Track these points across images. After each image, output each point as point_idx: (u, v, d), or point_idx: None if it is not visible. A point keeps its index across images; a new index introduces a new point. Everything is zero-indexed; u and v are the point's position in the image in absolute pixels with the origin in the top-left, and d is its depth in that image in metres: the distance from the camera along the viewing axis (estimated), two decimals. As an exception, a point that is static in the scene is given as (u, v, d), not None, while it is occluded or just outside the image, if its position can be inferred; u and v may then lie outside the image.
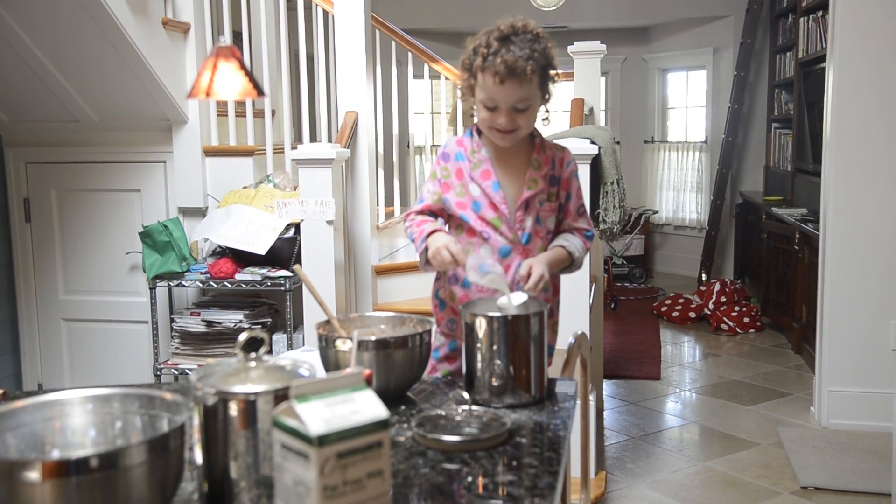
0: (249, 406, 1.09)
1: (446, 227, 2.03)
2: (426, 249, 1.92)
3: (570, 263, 2.01)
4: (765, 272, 6.07)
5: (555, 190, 2.00)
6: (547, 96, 1.95)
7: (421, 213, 2.03)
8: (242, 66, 1.37)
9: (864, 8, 3.91)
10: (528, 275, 1.84)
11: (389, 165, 4.87)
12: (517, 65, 1.82)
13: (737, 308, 6.07)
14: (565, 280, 2.98)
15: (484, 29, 1.91)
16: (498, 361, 1.53)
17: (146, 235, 3.67)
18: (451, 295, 2.02)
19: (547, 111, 2.00)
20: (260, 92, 1.40)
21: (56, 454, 1.11)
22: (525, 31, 1.87)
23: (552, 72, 1.93)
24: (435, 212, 2.03)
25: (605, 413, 4.35)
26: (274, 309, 3.83)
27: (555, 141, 2.10)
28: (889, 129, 3.94)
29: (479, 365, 1.55)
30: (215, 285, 3.64)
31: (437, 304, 2.09)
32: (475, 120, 2.02)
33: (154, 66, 3.64)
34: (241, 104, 4.10)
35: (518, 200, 1.95)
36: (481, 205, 1.95)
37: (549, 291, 2.02)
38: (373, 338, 1.54)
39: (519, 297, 1.67)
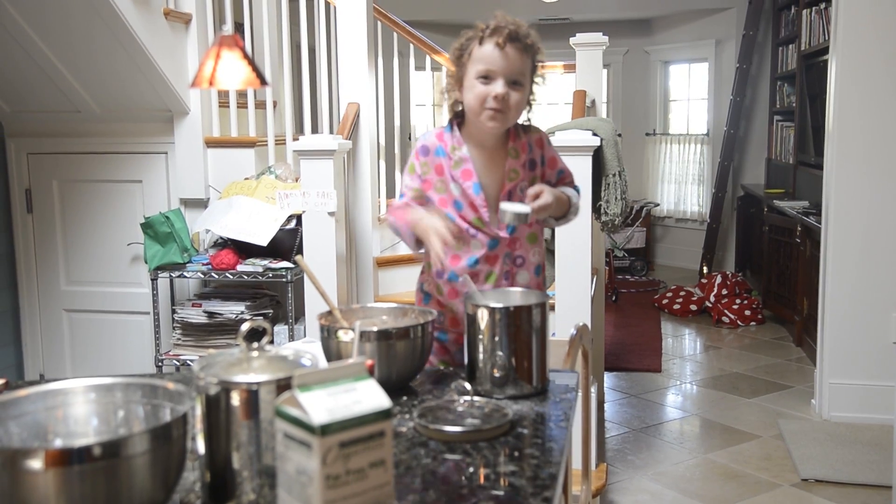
0: (252, 396, 1.09)
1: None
2: (415, 238, 1.91)
3: (567, 210, 2.01)
4: (766, 265, 6.06)
5: (537, 173, 1.99)
6: (532, 96, 1.96)
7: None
8: (245, 55, 1.36)
9: (866, 0, 3.90)
10: (537, 196, 1.85)
11: (391, 157, 4.86)
12: (520, 31, 1.88)
13: (738, 301, 6.07)
14: (565, 274, 2.98)
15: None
16: (500, 352, 1.53)
17: (148, 226, 3.67)
18: (438, 288, 2.02)
19: (529, 121, 2.01)
20: (263, 81, 1.40)
21: (59, 443, 1.11)
22: (518, 25, 1.91)
23: (539, 69, 1.95)
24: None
25: (605, 405, 4.36)
26: (275, 300, 3.83)
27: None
28: (891, 122, 3.93)
29: (480, 356, 1.55)
30: (217, 276, 3.64)
31: (421, 298, 2.09)
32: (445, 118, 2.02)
33: (156, 57, 3.63)
34: (242, 95, 4.09)
35: (501, 193, 1.95)
36: (463, 205, 1.94)
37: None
38: (375, 328, 1.54)
39: (522, 207, 1.82)
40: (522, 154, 1.97)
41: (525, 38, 1.88)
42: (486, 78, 1.87)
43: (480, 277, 1.96)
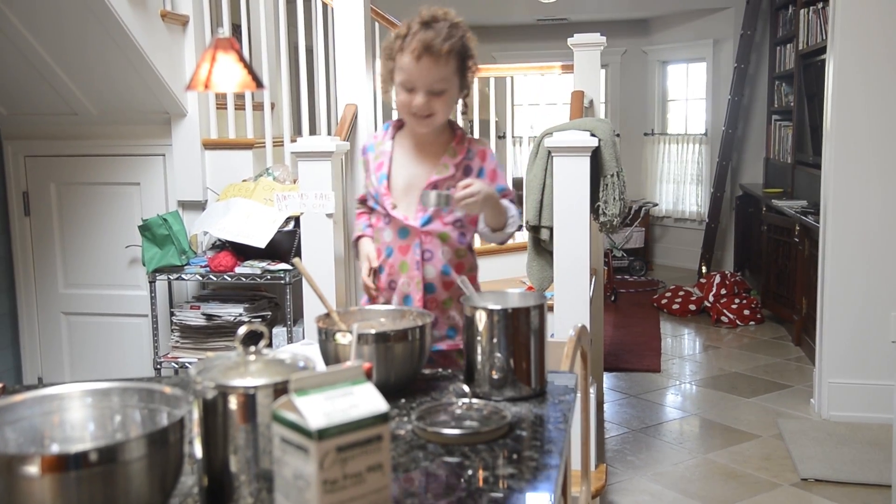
0: (249, 400, 1.08)
1: (371, 225, 2.14)
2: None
3: (504, 223, 2.04)
4: (765, 264, 6.06)
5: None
6: (465, 89, 2.02)
7: (362, 200, 2.19)
8: (241, 58, 1.36)
9: (864, 0, 3.90)
10: (466, 186, 1.90)
11: (389, 158, 4.83)
12: (434, 43, 1.89)
13: (737, 300, 6.07)
14: (564, 275, 2.98)
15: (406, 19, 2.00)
16: (498, 354, 1.53)
17: (146, 229, 3.67)
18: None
19: (466, 106, 2.08)
20: (259, 84, 1.39)
21: (55, 448, 1.10)
22: (445, 19, 1.94)
23: (470, 62, 1.99)
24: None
25: (605, 406, 4.35)
26: (274, 302, 3.83)
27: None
28: (889, 121, 3.93)
29: (479, 358, 1.55)
30: (215, 279, 3.64)
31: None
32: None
33: (153, 58, 3.63)
34: (240, 97, 4.09)
35: (427, 182, 2.01)
36: (378, 195, 2.05)
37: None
38: (372, 331, 1.54)
39: (445, 191, 1.90)
40: (460, 155, 2.04)
41: (440, 47, 1.89)
42: (409, 89, 1.94)
43: (395, 268, 2.04)
